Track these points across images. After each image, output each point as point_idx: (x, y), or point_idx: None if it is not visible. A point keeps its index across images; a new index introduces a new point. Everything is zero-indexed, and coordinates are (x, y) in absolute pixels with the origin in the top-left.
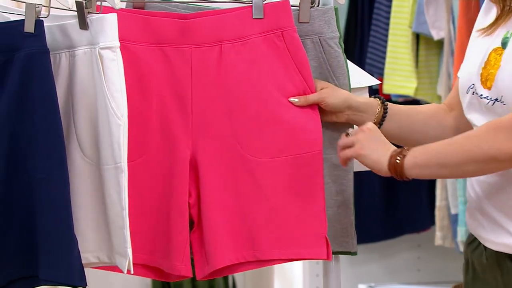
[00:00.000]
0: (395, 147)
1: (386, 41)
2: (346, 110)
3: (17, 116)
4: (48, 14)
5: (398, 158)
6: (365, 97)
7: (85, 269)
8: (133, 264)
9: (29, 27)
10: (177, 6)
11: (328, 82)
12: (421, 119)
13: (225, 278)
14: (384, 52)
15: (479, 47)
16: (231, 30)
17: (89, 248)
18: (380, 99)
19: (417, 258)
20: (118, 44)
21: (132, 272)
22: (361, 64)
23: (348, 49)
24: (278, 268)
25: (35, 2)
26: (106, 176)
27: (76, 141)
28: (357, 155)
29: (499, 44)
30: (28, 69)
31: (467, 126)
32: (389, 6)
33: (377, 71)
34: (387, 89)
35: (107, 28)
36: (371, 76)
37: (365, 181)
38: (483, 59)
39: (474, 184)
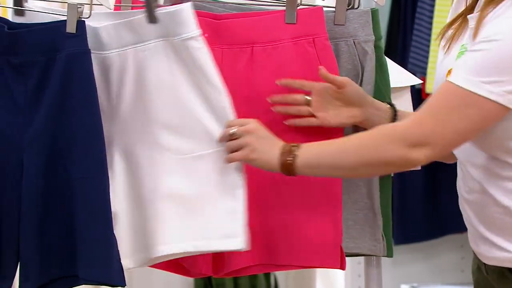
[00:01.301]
0: (283, 143)
1: (429, 41)
2: (363, 104)
3: (58, 116)
4: (90, 15)
5: (289, 158)
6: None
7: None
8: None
9: (71, 28)
10: (214, 5)
11: (357, 84)
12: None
13: (267, 278)
14: (427, 52)
15: (441, 65)
16: (263, 33)
17: (173, 239)
18: (390, 104)
19: (460, 258)
20: (200, 32)
21: (245, 248)
22: (404, 63)
23: (391, 48)
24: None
25: (77, 2)
26: (219, 157)
27: (151, 134)
28: (248, 159)
29: (453, 64)
30: (69, 69)
31: None
32: (433, 5)
33: (420, 70)
34: (429, 88)
35: (186, 19)
36: (413, 76)
37: (408, 181)
38: (443, 79)
39: (463, 203)
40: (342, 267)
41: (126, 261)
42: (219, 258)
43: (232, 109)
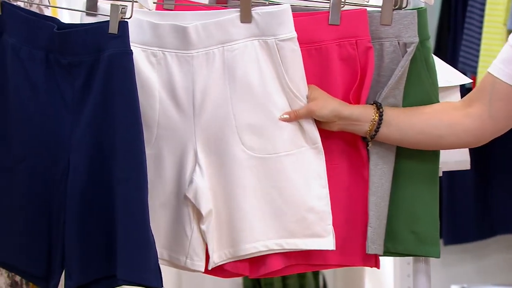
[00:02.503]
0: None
1: (479, 39)
2: (336, 120)
3: (101, 116)
4: (131, 16)
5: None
6: (357, 105)
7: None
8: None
9: (113, 28)
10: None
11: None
12: (424, 120)
13: (316, 277)
14: (478, 50)
15: None
16: (306, 33)
17: (259, 237)
18: (376, 104)
19: (511, 259)
20: (296, 34)
21: (334, 248)
22: (454, 62)
23: (441, 47)
24: (369, 268)
25: (120, 3)
26: (304, 157)
27: (236, 134)
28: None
29: None
30: (110, 69)
31: (484, 123)
32: (483, 4)
33: (471, 69)
34: None
35: (285, 19)
36: (462, 75)
37: (458, 181)
38: None
39: None
40: (377, 265)
41: (214, 256)
42: (255, 258)
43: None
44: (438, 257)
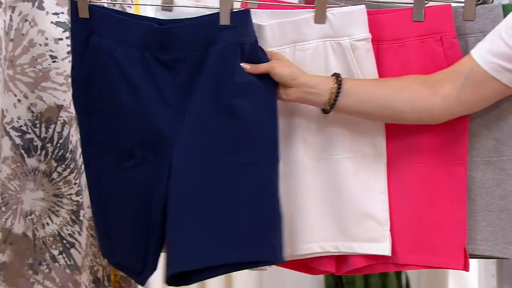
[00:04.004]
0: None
1: None
2: (295, 85)
3: (215, 107)
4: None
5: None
6: (318, 75)
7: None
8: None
9: (225, 20)
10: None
11: None
12: (387, 94)
13: (398, 277)
14: None
15: None
16: (389, 31)
17: (315, 238)
18: (335, 74)
19: None
20: (370, 35)
21: (389, 254)
22: None
23: None
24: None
25: None
26: (365, 161)
27: (299, 135)
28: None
29: None
30: (223, 61)
31: (449, 105)
32: None
33: None
34: None
35: (359, 20)
36: None
37: None
38: None
39: None
40: (466, 268)
41: None
42: (342, 256)
43: None
44: None
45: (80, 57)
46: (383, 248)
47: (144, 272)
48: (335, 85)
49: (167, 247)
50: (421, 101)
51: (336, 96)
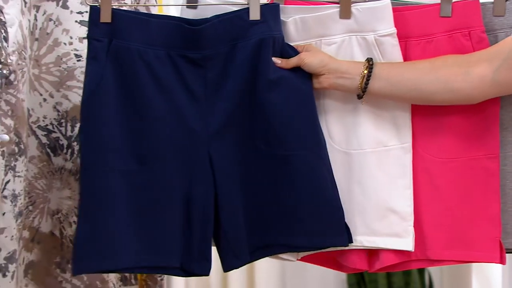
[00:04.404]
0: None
1: None
2: (326, 72)
3: (248, 100)
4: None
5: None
6: (348, 60)
7: (284, 263)
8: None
9: (255, 15)
10: None
11: None
12: (418, 75)
13: (421, 274)
14: None
15: None
16: (417, 27)
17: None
18: (367, 59)
19: None
20: (396, 30)
21: (412, 249)
22: None
23: None
24: (476, 265)
25: None
26: (389, 156)
27: (325, 128)
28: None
29: None
30: (256, 55)
31: (483, 85)
32: None
33: None
34: None
35: (384, 15)
36: None
37: None
38: None
39: None
40: (502, 261)
41: None
42: (374, 253)
43: (410, 110)
44: None
45: (100, 62)
46: (407, 243)
47: (192, 264)
48: (366, 69)
49: (226, 239)
50: (453, 82)
51: (367, 80)
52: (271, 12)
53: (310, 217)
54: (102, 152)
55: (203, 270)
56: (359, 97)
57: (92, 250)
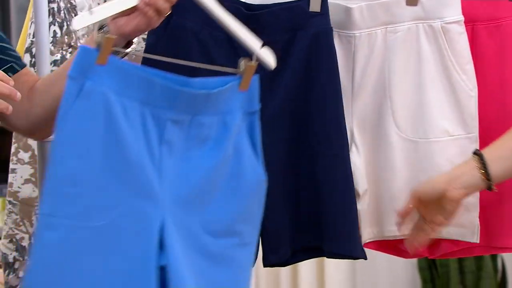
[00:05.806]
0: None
1: None
2: (451, 195)
3: (300, 95)
4: None
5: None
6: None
7: None
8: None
9: (315, 6)
10: None
11: None
12: None
13: (494, 260)
14: None
15: None
16: (484, 11)
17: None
18: (474, 153)
19: None
20: (463, 17)
21: (477, 241)
22: None
23: None
24: None
25: None
26: (455, 145)
27: (391, 116)
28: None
29: None
30: (313, 47)
31: None
32: None
33: None
34: None
35: (451, 2)
36: None
37: None
38: None
39: None
40: None
41: (364, 233)
42: (435, 239)
43: (476, 100)
44: None
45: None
46: (471, 234)
47: None
48: (477, 163)
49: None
50: None
51: (485, 167)
52: (328, 6)
53: (350, 223)
54: None
55: None
56: (490, 189)
57: None
